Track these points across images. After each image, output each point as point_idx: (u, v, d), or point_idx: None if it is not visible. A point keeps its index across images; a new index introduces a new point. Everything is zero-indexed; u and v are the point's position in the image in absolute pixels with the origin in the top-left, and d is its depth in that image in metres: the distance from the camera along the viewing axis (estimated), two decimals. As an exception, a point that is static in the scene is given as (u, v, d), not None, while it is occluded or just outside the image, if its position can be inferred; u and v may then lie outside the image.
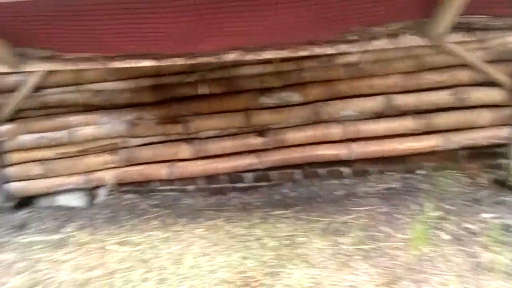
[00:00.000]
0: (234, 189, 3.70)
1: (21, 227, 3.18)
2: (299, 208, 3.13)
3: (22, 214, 3.43)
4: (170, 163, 3.55)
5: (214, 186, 3.73)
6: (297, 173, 3.61)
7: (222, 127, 3.44)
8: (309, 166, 3.57)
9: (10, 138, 3.50)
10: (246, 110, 3.39)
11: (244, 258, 2.42)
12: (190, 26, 1.32)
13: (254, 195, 3.58)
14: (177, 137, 3.51)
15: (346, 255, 2.34)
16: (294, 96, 3.36)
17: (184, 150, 3.48)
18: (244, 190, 3.69)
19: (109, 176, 3.58)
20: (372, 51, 3.08)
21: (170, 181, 3.70)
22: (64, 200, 3.77)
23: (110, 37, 1.40)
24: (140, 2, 1.30)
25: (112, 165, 3.57)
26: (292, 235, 2.67)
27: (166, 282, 2.25)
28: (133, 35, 1.39)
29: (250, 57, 1.44)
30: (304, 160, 3.48)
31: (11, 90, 3.35)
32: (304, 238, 2.61)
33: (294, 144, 3.44)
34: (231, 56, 1.39)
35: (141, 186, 3.74)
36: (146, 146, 3.54)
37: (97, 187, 3.71)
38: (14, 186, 3.60)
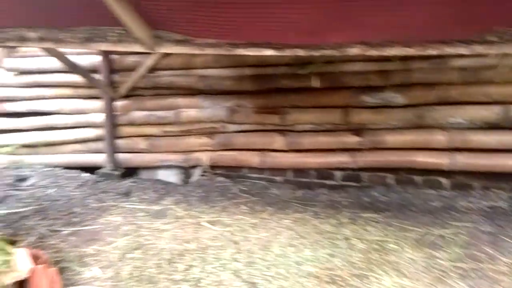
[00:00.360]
0: (322, 186, 3.68)
1: (126, 194, 3.51)
2: (390, 214, 3.03)
3: (127, 183, 3.78)
4: (263, 152, 3.63)
5: (302, 179, 3.75)
6: (390, 178, 3.47)
7: (318, 122, 3.43)
8: (405, 172, 3.41)
9: (124, 113, 3.86)
10: (345, 107, 3.33)
11: (331, 255, 2.42)
12: (318, 17, 1.33)
13: (342, 194, 3.53)
14: (272, 127, 3.58)
15: (442, 271, 2.21)
16: (398, 97, 3.22)
17: (278, 141, 3.54)
18: (332, 187, 3.66)
19: (205, 158, 3.79)
20: (491, 56, 2.83)
21: (259, 169, 3.79)
22: (163, 175, 4.07)
23: (236, 24, 1.47)
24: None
25: (209, 148, 3.76)
26: (382, 241, 2.59)
27: (253, 266, 2.33)
28: (259, 24, 1.44)
29: (373, 52, 1.42)
30: (400, 165, 3.33)
31: (129, 69, 3.71)
32: (395, 246, 2.52)
33: (391, 147, 3.31)
34: (354, 50, 1.38)
35: (232, 171, 3.89)
36: (241, 133, 3.67)
37: (193, 166, 3.95)
38: (122, 156, 3.98)
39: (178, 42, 1.56)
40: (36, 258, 2.07)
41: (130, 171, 4.06)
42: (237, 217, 3.03)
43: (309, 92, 3.41)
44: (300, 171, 3.71)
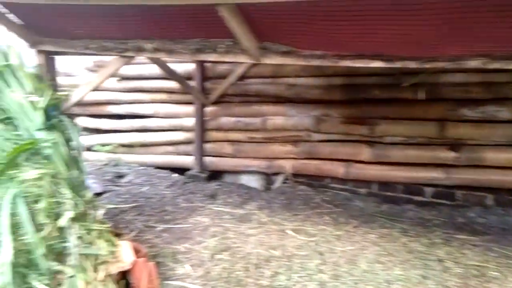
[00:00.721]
0: (409, 201, 3.51)
1: (212, 196, 3.65)
2: (490, 238, 2.79)
3: (212, 186, 3.93)
4: (348, 163, 3.56)
5: (387, 193, 3.61)
6: (490, 198, 3.20)
7: (410, 134, 3.27)
8: (507, 193, 3.12)
9: (213, 118, 4.04)
10: (441, 120, 3.15)
11: (424, 277, 2.29)
12: (432, 30, 1.28)
13: (432, 212, 3.33)
14: (359, 138, 3.50)
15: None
16: (503, 112, 2.96)
17: (365, 153, 3.45)
18: (421, 204, 3.47)
19: (288, 165, 3.81)
20: None
21: (342, 180, 3.72)
22: (245, 180, 4.18)
23: (345, 36, 1.47)
24: (382, 5, 1.32)
25: (293, 156, 3.78)
26: (482, 266, 2.39)
27: (340, 279, 2.29)
28: (369, 37, 1.42)
29: (495, 65, 1.31)
30: (502, 185, 3.05)
31: (221, 77, 3.87)
32: (498, 273, 2.31)
33: (492, 165, 3.05)
34: (473, 63, 1.29)
35: (315, 180, 3.87)
36: (327, 143, 3.63)
37: (275, 173, 3.99)
38: (209, 160, 4.15)
39: (284, 53, 1.60)
40: (137, 251, 2.23)
41: (215, 174, 4.22)
42: (320, 227, 3.00)
43: (402, 103, 3.27)
44: (385, 184, 3.58)
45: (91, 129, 4.72)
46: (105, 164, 4.47)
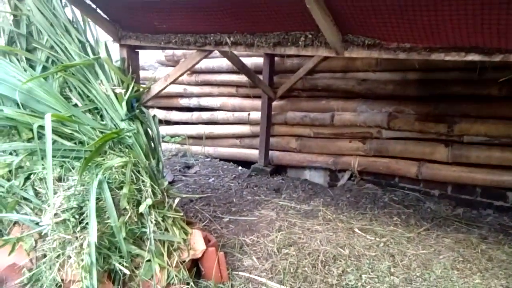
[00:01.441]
0: (488, 206, 3.26)
1: (276, 190, 3.65)
2: None
3: (277, 180, 3.94)
4: (421, 162, 3.38)
5: (463, 196, 3.38)
6: None
7: (493, 134, 3.03)
8: None
9: (279, 113, 4.03)
10: (530, 119, 2.88)
11: (508, 288, 2.11)
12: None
13: (516, 218, 3.07)
14: (435, 136, 3.30)
15: None
16: None
17: (441, 152, 3.25)
18: (502, 209, 3.22)
19: (355, 162, 3.71)
20: None
21: (413, 180, 3.55)
22: (309, 175, 4.13)
23: (441, 28, 1.37)
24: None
25: (361, 153, 3.67)
26: None
27: (412, 284, 2.19)
28: (468, 27, 1.31)
29: None
30: None
31: (289, 71, 3.85)
32: None
33: None
34: None
35: (383, 179, 3.73)
36: (399, 140, 3.47)
37: (341, 170, 3.90)
38: (273, 154, 4.16)
39: (369, 46, 1.53)
40: (207, 241, 2.29)
41: (278, 168, 4.22)
42: (390, 228, 2.89)
43: (486, 101, 3.03)
44: (461, 186, 3.35)
45: (161, 120, 4.93)
46: (174, 155, 4.66)
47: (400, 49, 1.48)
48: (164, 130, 4.81)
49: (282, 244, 2.60)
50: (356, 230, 2.81)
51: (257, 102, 4.06)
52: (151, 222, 2.01)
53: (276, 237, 2.69)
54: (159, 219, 2.07)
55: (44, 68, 2.25)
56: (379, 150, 3.56)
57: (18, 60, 2.20)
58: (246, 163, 4.32)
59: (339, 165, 3.83)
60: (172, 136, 4.76)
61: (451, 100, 3.16)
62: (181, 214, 2.25)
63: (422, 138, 3.38)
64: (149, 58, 5.04)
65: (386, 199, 3.47)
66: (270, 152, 4.16)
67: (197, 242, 2.19)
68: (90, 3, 2.28)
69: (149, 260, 1.97)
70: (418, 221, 3.03)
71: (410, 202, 3.45)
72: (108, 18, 2.45)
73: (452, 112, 3.16)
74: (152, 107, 4.92)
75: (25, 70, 2.16)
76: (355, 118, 3.57)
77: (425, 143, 3.35)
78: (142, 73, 4.68)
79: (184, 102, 4.70)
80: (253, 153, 4.25)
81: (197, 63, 2.33)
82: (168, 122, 4.88)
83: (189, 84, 4.58)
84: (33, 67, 2.25)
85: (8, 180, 1.96)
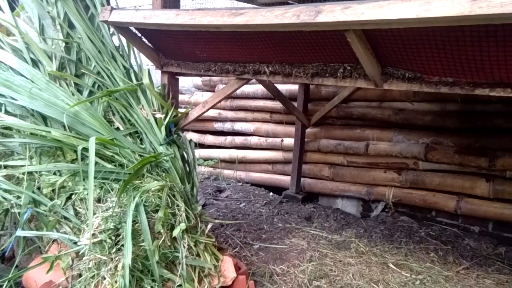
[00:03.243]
0: (534, 246, 3.08)
1: (307, 219, 3.60)
2: None
3: (308, 208, 3.88)
4: (460, 196, 3.25)
5: (506, 234, 3.21)
6: None
7: (539, 171, 2.89)
8: None
9: (312, 140, 4.02)
10: None
11: None
12: None
13: None
14: (475, 170, 3.18)
15: None
16: None
17: (481, 187, 3.12)
18: (549, 251, 3.02)
19: (389, 193, 3.61)
20: None
21: (451, 214, 3.41)
22: (342, 204, 4.05)
23: (483, 64, 1.35)
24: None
25: (396, 184, 3.57)
26: None
27: (452, 327, 2.07)
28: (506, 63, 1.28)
29: None
30: None
31: (324, 99, 3.85)
32: None
33: None
34: None
35: (419, 212, 3.60)
36: (436, 173, 3.37)
37: (374, 200, 3.81)
38: (305, 181, 4.12)
39: (409, 79, 1.52)
40: (237, 268, 2.28)
41: (310, 196, 4.17)
42: (426, 265, 2.77)
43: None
44: (504, 224, 3.18)
45: (195, 143, 5.02)
46: (207, 178, 4.71)
47: (442, 83, 1.46)
48: (198, 153, 4.88)
49: (313, 275, 2.54)
50: (391, 265, 2.71)
51: (291, 129, 4.06)
52: (184, 246, 2.03)
53: (307, 267, 2.64)
54: (192, 244, 2.08)
55: (91, 93, 2.36)
56: (415, 182, 3.46)
57: (67, 84, 2.32)
58: (277, 189, 4.30)
59: (372, 196, 3.74)
60: (205, 159, 4.82)
61: (493, 133, 3.05)
62: (213, 239, 2.25)
63: (461, 172, 3.26)
64: (186, 82, 5.19)
65: (422, 234, 3.35)
66: (302, 179, 4.13)
67: (228, 269, 2.18)
68: (136, 32, 2.40)
69: (180, 285, 1.97)
70: (457, 259, 2.89)
71: (448, 238, 3.30)
72: (152, 46, 2.56)
73: (494, 146, 3.04)
74: (187, 130, 5.02)
75: (73, 94, 2.27)
76: (390, 148, 3.50)
77: (465, 177, 3.22)
78: (179, 97, 4.82)
79: (218, 126, 4.78)
80: (284, 180, 4.23)
81: (235, 90, 2.38)
82: (202, 145, 4.96)
83: (224, 108, 4.66)
84: (80, 91, 2.36)
85: (51, 199, 2.04)
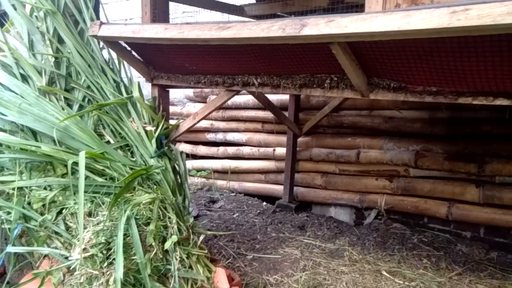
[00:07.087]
0: (527, 251, 3.10)
1: (301, 227, 3.61)
2: None
3: (301, 217, 3.89)
4: (451, 202, 3.28)
5: (497, 239, 3.24)
6: None
7: (527, 175, 2.93)
8: None
9: (304, 149, 4.04)
10: None
11: None
12: None
13: (557, 265, 2.90)
14: (465, 176, 3.22)
15: None
16: None
17: (472, 193, 3.15)
18: (542, 255, 3.05)
19: (382, 201, 3.63)
20: None
21: (443, 220, 3.43)
22: (335, 212, 4.07)
23: (468, 73, 1.38)
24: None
25: (388, 191, 3.60)
26: None
27: (445, 333, 2.08)
28: (494, 73, 1.32)
29: None
30: None
31: (314, 108, 3.89)
32: None
33: None
34: None
35: (411, 218, 3.62)
36: (427, 180, 3.40)
37: (367, 208, 3.82)
38: (298, 190, 4.13)
39: (394, 89, 1.55)
40: (230, 279, 2.27)
41: (303, 205, 4.18)
42: (419, 271, 2.78)
43: (517, 141, 2.96)
44: (495, 229, 3.21)
45: (188, 154, 5.02)
46: (200, 189, 4.70)
47: (426, 92, 1.49)
48: (191, 163, 4.88)
49: (307, 285, 2.54)
50: (384, 272, 2.72)
51: (283, 138, 4.09)
52: (176, 259, 2.03)
53: (301, 277, 2.64)
54: (184, 256, 2.08)
55: (81, 107, 2.37)
56: (406, 189, 3.49)
57: (57, 99, 2.33)
58: (270, 198, 4.31)
59: (365, 203, 3.76)
60: (198, 170, 4.82)
61: (481, 140, 3.10)
62: (206, 251, 2.25)
63: (451, 178, 3.29)
64: (178, 93, 5.21)
65: (415, 240, 3.36)
66: (295, 188, 4.14)
67: (221, 280, 2.18)
68: (126, 45, 2.42)
69: (172, 298, 1.97)
70: (449, 265, 2.91)
71: (440, 244, 3.32)
72: (142, 59, 2.58)
73: (482, 152, 3.09)
74: (179, 141, 5.03)
75: (63, 109, 2.28)
76: (381, 156, 3.53)
77: (455, 183, 3.26)
78: (171, 108, 4.82)
79: (210, 136, 4.79)
80: (277, 189, 4.24)
81: (225, 102, 2.40)
82: (194, 156, 4.96)
83: (216, 119, 4.68)
84: (70, 106, 2.37)
85: (42, 214, 2.03)
